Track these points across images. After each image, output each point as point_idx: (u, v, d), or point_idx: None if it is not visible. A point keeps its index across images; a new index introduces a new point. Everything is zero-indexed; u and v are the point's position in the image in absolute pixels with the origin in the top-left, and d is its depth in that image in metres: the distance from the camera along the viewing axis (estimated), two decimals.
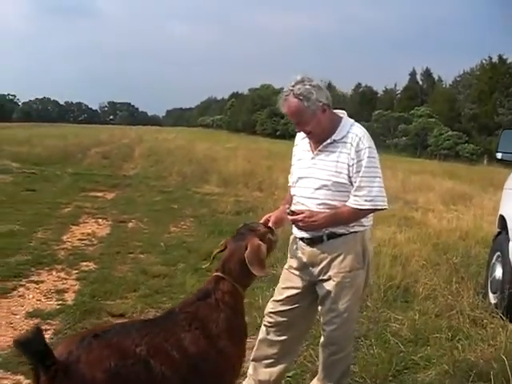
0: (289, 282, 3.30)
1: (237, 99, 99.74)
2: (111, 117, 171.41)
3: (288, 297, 3.28)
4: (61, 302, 5.15)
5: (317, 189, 3.09)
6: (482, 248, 7.73)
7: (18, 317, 4.78)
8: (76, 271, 6.14)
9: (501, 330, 4.60)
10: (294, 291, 3.26)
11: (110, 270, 6.17)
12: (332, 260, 3.12)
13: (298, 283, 3.26)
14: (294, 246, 3.30)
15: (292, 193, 3.30)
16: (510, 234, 5.23)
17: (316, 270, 3.17)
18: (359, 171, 3.01)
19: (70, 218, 9.10)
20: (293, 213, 3.10)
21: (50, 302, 5.17)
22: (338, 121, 3.11)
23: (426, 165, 32.52)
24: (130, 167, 18.80)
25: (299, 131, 3.19)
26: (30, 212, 9.35)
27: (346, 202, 3.06)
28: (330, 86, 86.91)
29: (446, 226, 9.81)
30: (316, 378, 3.40)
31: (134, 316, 4.72)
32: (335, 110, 3.16)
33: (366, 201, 3.02)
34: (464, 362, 3.97)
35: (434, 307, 5.20)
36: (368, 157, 3.01)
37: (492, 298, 5.49)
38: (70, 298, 5.30)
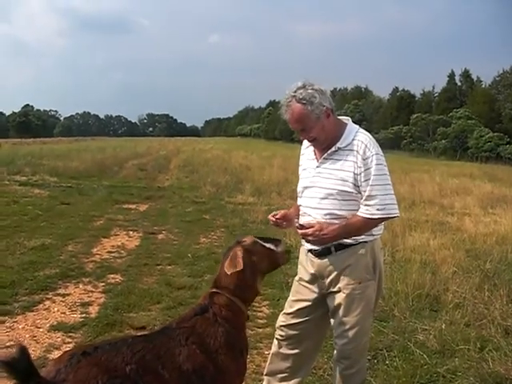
0: (299, 295, 3.23)
1: (274, 107, 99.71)
2: (150, 129, 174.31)
3: (298, 309, 3.20)
4: (84, 315, 5.17)
5: (322, 198, 3.00)
6: None
7: (41, 330, 4.80)
8: (103, 284, 6.16)
9: None
10: (305, 304, 3.19)
11: (136, 283, 6.16)
12: (341, 272, 3.02)
13: (309, 296, 3.18)
14: (304, 258, 3.22)
15: (298, 203, 3.21)
16: None
17: (326, 282, 3.08)
18: (368, 179, 2.89)
19: (101, 231, 9.17)
20: (302, 226, 2.97)
21: (74, 315, 5.19)
22: (342, 127, 3.01)
23: (465, 167, 31.85)
24: (164, 178, 18.90)
25: (303, 139, 3.08)
26: (63, 225, 9.46)
27: (352, 210, 2.96)
28: (366, 91, 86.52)
29: (482, 230, 9.53)
30: None
31: (155, 329, 4.68)
32: (339, 117, 3.06)
33: (377, 210, 2.91)
34: (492, 375, 3.80)
35: (463, 316, 5.03)
36: (376, 164, 2.90)
37: None
38: (94, 310, 5.31)
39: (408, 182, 17.46)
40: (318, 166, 3.05)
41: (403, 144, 61.55)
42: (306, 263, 3.18)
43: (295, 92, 2.87)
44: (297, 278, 3.29)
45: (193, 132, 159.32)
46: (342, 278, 3.02)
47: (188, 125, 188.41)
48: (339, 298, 3.03)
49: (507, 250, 7.77)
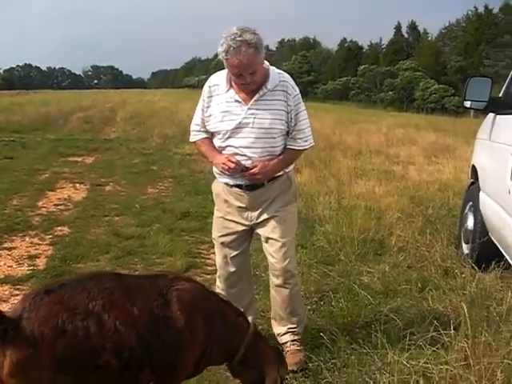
0: (226, 229, 3.42)
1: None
2: (95, 81, 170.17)
3: (230, 243, 3.42)
4: (32, 268, 5.10)
5: (258, 138, 3.20)
6: (460, 199, 7.72)
7: None
8: (50, 236, 6.08)
9: (471, 279, 4.61)
10: (234, 236, 3.42)
11: (84, 234, 6.12)
12: (273, 200, 3.33)
13: (237, 228, 3.40)
14: (224, 194, 3.39)
15: (223, 144, 3.29)
16: (481, 183, 5.21)
17: (256, 213, 3.34)
18: (297, 114, 3.24)
19: (46, 184, 8.99)
20: (247, 168, 3.20)
21: (22, 268, 5.11)
22: (267, 70, 3.22)
23: (411, 118, 32.33)
24: (111, 131, 18.52)
25: (247, 82, 3.12)
26: (7, 180, 9.21)
27: (282, 145, 3.29)
28: (315, 42, 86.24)
29: (425, 178, 9.80)
30: (278, 322, 3.54)
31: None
32: None
33: (305, 141, 3.33)
34: (432, 312, 3.98)
35: (406, 259, 5.22)
36: (300, 102, 3.28)
37: (465, 249, 5.50)
38: (41, 263, 5.25)
39: (355, 132, 17.69)
40: (249, 108, 3.20)
41: (351, 95, 61.97)
42: (229, 197, 3.36)
43: (242, 36, 2.97)
44: (218, 214, 3.47)
45: (139, 84, 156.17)
46: (273, 205, 3.33)
47: (134, 77, 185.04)
48: (274, 223, 3.32)
49: (448, 196, 8.01)
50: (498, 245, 4.72)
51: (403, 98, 57.21)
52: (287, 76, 3.29)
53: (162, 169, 10.98)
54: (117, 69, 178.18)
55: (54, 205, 7.59)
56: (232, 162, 3.19)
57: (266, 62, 3.23)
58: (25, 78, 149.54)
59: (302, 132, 3.28)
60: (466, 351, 3.07)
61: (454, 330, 3.32)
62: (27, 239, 5.98)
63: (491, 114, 5.20)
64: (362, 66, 63.42)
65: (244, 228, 3.38)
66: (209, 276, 4.90)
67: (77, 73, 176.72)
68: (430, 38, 66.34)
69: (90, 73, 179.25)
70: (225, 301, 2.77)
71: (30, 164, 11.03)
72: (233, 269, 3.45)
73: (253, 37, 2.98)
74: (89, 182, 9.29)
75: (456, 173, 10.10)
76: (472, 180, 5.74)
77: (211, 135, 3.35)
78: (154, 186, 9.19)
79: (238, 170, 3.23)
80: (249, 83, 3.12)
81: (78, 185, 9.10)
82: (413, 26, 68.02)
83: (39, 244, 5.83)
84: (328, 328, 3.72)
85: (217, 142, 3.31)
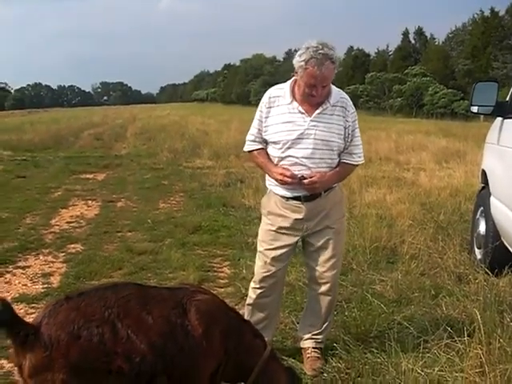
0: (279, 242, 3.44)
1: (229, 71, 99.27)
2: (105, 97, 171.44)
3: (280, 255, 3.45)
4: (46, 286, 5.14)
5: (319, 149, 3.30)
6: (471, 204, 7.69)
7: None
8: (63, 254, 6.12)
9: (485, 284, 4.59)
10: (285, 249, 3.46)
11: (97, 251, 6.14)
12: (329, 210, 3.43)
13: (289, 241, 3.44)
14: (278, 207, 3.43)
15: (283, 154, 3.36)
16: (491, 188, 5.19)
17: (312, 223, 3.40)
18: (354, 131, 3.39)
19: (59, 202, 9.05)
20: (304, 178, 3.27)
21: (36, 286, 5.15)
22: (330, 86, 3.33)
23: (421, 124, 32.27)
24: (121, 147, 18.59)
25: (317, 94, 3.23)
26: (20, 199, 9.30)
27: (337, 159, 3.41)
28: None
29: (436, 184, 9.77)
30: (305, 327, 3.65)
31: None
32: None
33: (359, 157, 3.49)
34: (446, 319, 3.97)
35: (418, 266, 5.20)
36: (357, 119, 3.44)
37: (477, 254, 5.48)
38: (55, 280, 5.29)
39: (365, 139, 17.48)
40: (312, 120, 3.30)
41: (360, 103, 61.67)
42: (285, 211, 3.40)
43: (324, 50, 3.10)
44: (272, 227, 3.47)
45: (148, 99, 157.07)
46: (329, 215, 3.44)
47: (143, 92, 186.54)
48: (329, 234, 3.44)
49: (460, 201, 8.00)
50: (510, 249, 4.69)
51: (412, 104, 56.97)
52: (345, 94, 3.45)
53: (173, 183, 11.02)
54: (126, 85, 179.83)
55: (67, 222, 7.64)
56: (287, 176, 3.28)
57: None
58: (35, 97, 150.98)
59: (357, 147, 3.44)
60: (480, 358, 3.06)
61: (468, 336, 3.32)
62: (41, 257, 6.03)
63: (499, 118, 5.20)
64: (370, 74, 63.25)
65: (296, 239, 3.46)
66: (222, 289, 4.93)
67: (86, 90, 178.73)
68: (437, 43, 66.14)
69: (99, 90, 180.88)
70: (244, 319, 2.81)
71: (43, 182, 11.13)
72: (274, 280, 3.49)
73: (333, 52, 3.14)
74: (101, 199, 9.35)
75: (467, 177, 10.06)
76: (483, 185, 5.72)
77: (266, 146, 3.44)
78: (165, 200, 9.23)
79: (295, 183, 3.30)
80: (316, 95, 3.23)
81: (90, 202, 9.15)
82: (420, 32, 67.84)
83: (53, 262, 5.87)
84: (342, 338, 3.71)
85: (275, 152, 3.38)
